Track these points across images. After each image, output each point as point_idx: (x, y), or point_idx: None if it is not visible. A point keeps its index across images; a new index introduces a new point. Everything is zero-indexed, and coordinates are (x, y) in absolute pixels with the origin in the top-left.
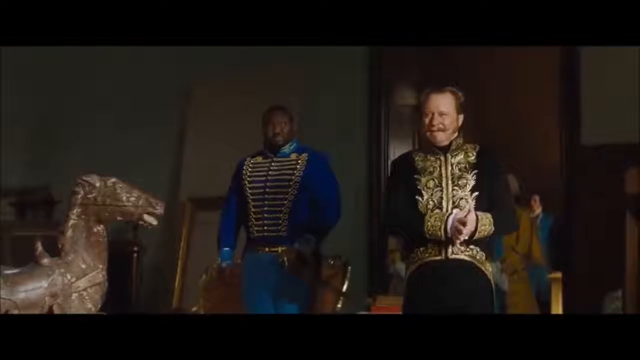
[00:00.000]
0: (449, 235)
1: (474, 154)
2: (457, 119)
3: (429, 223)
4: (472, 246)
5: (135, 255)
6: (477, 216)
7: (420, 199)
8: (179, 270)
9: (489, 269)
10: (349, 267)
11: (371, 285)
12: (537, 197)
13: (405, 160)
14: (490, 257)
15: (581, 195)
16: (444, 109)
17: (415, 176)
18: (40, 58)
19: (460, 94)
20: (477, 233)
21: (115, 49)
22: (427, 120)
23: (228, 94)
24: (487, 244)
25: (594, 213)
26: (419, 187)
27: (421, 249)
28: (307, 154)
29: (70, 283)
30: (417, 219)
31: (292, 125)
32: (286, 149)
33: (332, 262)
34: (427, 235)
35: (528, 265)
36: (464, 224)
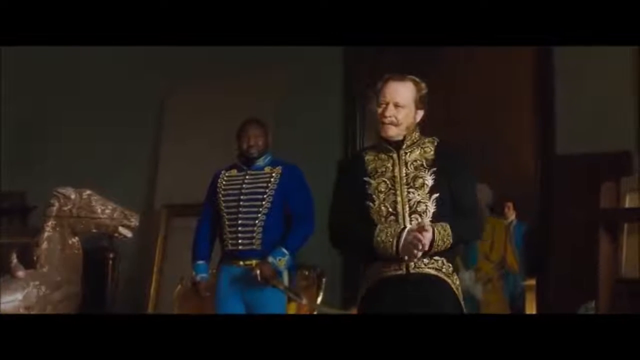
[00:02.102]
0: (401, 255)
1: (432, 148)
2: (415, 114)
3: (378, 239)
4: (436, 257)
5: (110, 262)
6: (434, 231)
7: (371, 205)
8: (154, 277)
9: (456, 282)
10: (324, 278)
11: (346, 296)
12: (510, 204)
13: (354, 161)
14: (465, 266)
15: (555, 203)
16: (401, 101)
17: (365, 179)
18: (20, 60)
19: (423, 85)
20: (434, 248)
21: (94, 53)
22: (380, 110)
23: (204, 99)
24: (461, 252)
25: (568, 220)
26: (369, 191)
27: (378, 262)
28: (281, 167)
29: (45, 295)
30: (368, 230)
31: (266, 139)
32: (260, 162)
33: (307, 273)
34: (377, 252)
35: (502, 272)
36: (418, 241)
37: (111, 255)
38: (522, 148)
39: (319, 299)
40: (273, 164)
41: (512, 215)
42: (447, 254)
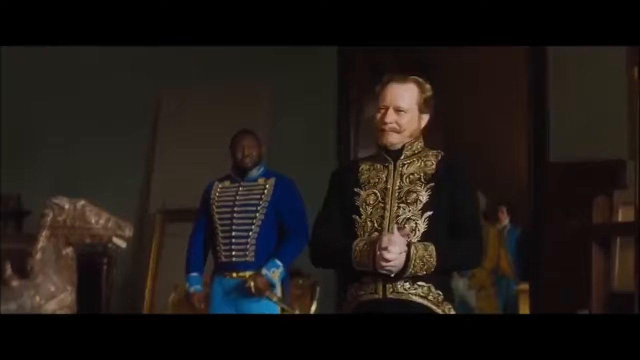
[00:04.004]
0: (376, 266)
1: (434, 162)
2: (419, 119)
3: (357, 247)
4: (421, 283)
5: (104, 267)
6: (410, 248)
7: (357, 218)
8: (148, 282)
9: (450, 312)
10: (318, 287)
11: (340, 305)
12: (504, 208)
13: (348, 171)
14: (459, 273)
15: (548, 208)
16: (403, 105)
17: (356, 190)
18: (16, 61)
19: (427, 86)
20: (409, 267)
21: (88, 56)
22: (379, 116)
23: (198, 104)
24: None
25: (561, 225)
26: (357, 203)
27: (355, 284)
28: (274, 179)
29: (39, 305)
30: (348, 246)
31: (260, 150)
32: (254, 173)
33: (300, 282)
34: (355, 264)
35: (496, 277)
36: (388, 249)
37: (105, 261)
38: (516, 152)
39: (313, 308)
40: (267, 175)
41: (505, 220)
42: (438, 280)
